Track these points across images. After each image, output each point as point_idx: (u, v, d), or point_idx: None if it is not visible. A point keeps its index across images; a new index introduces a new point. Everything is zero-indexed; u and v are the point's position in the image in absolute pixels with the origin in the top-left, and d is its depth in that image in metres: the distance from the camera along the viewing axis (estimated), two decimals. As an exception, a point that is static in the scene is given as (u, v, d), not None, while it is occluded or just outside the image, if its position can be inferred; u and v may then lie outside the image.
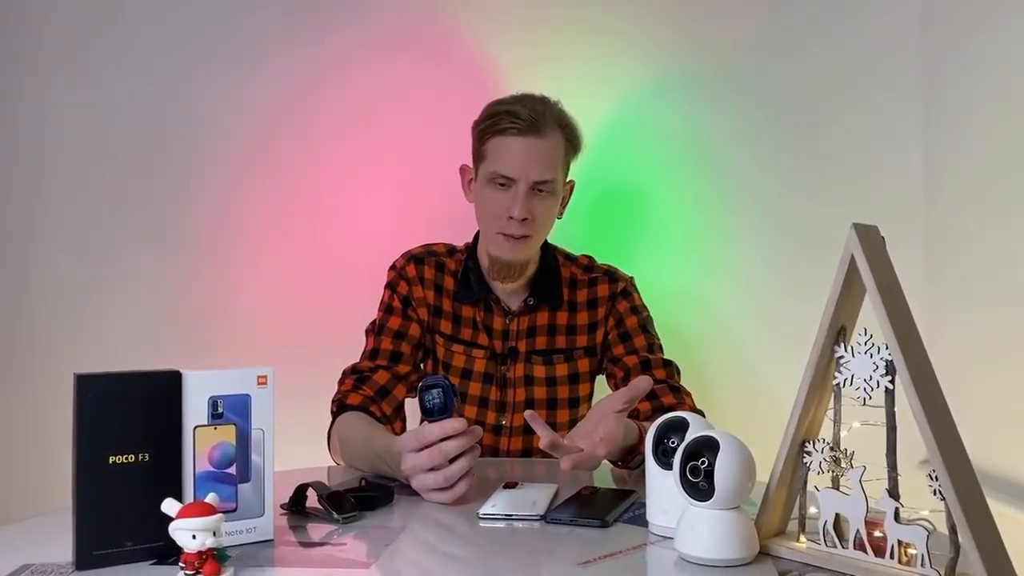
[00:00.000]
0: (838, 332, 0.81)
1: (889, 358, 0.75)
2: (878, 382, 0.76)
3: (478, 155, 1.45)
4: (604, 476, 1.24)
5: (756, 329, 1.87)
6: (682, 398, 1.40)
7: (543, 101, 1.42)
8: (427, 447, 1.02)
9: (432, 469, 1.03)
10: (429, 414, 1.02)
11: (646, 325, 1.50)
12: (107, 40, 1.90)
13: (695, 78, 1.89)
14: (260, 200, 1.93)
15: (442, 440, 1.01)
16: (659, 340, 1.51)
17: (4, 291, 1.89)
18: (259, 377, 0.90)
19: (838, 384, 0.81)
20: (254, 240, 1.93)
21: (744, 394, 1.82)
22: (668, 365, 1.46)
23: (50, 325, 1.89)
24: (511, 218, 1.38)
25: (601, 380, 1.56)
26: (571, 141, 1.45)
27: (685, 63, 1.89)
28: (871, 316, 0.78)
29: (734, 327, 1.88)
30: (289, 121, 1.93)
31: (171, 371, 0.86)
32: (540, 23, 1.92)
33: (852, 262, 0.77)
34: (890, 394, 0.76)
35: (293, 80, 1.93)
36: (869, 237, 0.77)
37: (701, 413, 1.37)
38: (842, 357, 0.80)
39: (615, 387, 1.48)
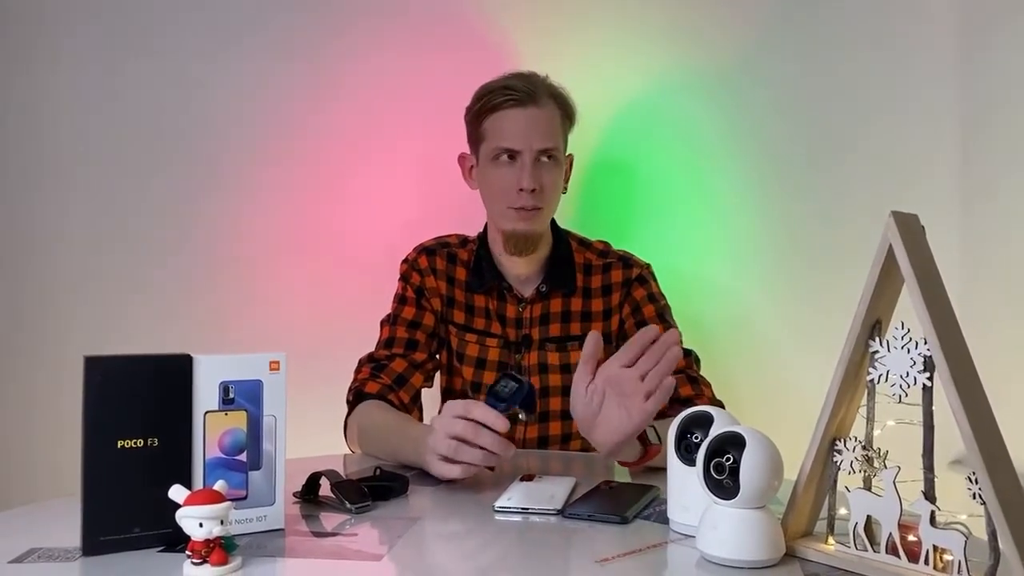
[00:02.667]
0: (873, 325, 0.77)
1: (928, 353, 0.71)
2: (915, 378, 0.72)
3: (476, 138, 1.45)
4: (622, 471, 1.20)
5: (779, 318, 1.81)
6: (701, 389, 1.36)
7: (534, 75, 1.43)
8: (469, 420, 1.01)
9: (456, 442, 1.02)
10: (493, 395, 1.03)
11: (664, 314, 1.46)
12: (129, 39, 1.91)
13: (725, 68, 1.83)
14: (280, 193, 1.92)
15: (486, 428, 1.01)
16: (678, 329, 1.47)
17: (23, 279, 1.90)
18: (271, 362, 0.88)
19: (872, 380, 0.77)
20: (273, 232, 1.92)
21: (765, 386, 1.77)
22: (687, 355, 1.41)
23: (67, 312, 1.90)
24: (521, 190, 1.38)
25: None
26: (565, 111, 1.45)
27: (718, 51, 1.83)
28: (906, 310, 0.75)
29: (755, 316, 1.82)
30: (309, 116, 1.91)
31: (182, 355, 0.84)
32: (561, 10, 1.88)
33: (890, 251, 0.73)
34: (928, 391, 0.72)
35: (313, 76, 1.91)
36: (908, 226, 0.73)
37: (721, 404, 1.34)
38: (877, 352, 0.76)
39: None
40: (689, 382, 1.36)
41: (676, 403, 1.34)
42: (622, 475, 1.16)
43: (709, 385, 1.39)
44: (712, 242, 1.86)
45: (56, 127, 1.90)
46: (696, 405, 1.30)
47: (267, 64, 1.91)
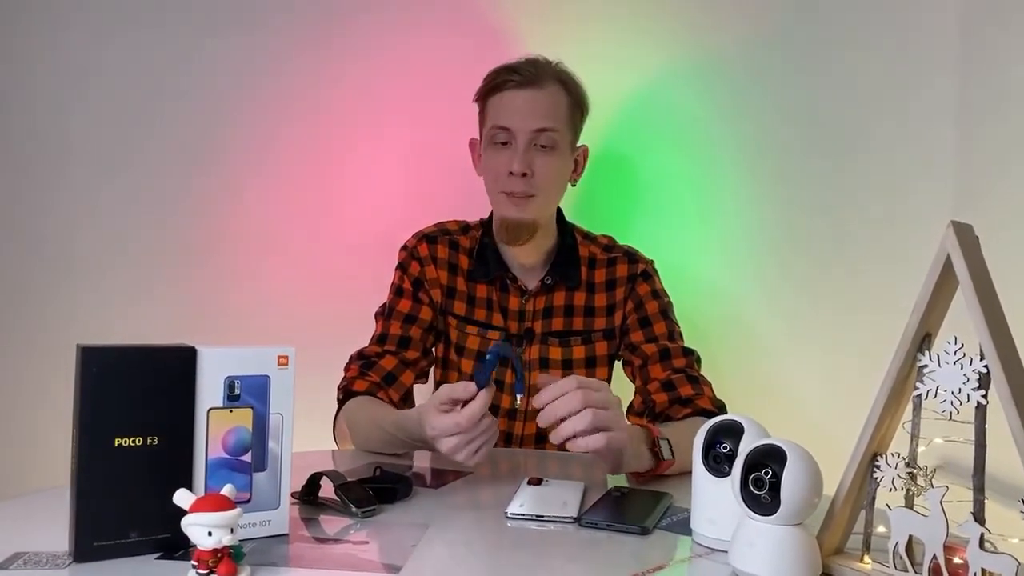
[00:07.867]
0: (923, 339, 0.74)
1: (984, 370, 0.68)
2: (968, 396, 0.69)
3: (481, 120, 1.42)
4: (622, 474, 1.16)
5: (778, 318, 1.80)
6: (701, 389, 1.33)
7: (543, 59, 1.39)
8: (455, 411, 0.98)
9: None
10: (481, 359, 1.02)
11: (667, 311, 1.44)
12: (121, 20, 1.83)
13: (725, 65, 1.81)
14: (275, 179, 1.86)
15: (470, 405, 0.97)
16: (680, 327, 1.44)
17: (15, 266, 1.82)
18: (280, 357, 0.82)
19: (919, 395, 0.74)
20: (269, 220, 1.86)
21: (763, 385, 1.75)
22: (689, 354, 1.38)
23: (62, 299, 1.83)
24: (512, 174, 1.33)
25: (618, 366, 1.50)
26: (573, 96, 1.39)
27: (719, 48, 1.81)
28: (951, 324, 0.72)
29: (755, 315, 1.80)
30: (304, 100, 1.86)
31: (185, 346, 0.78)
32: (564, 1, 1.84)
33: (948, 262, 0.70)
34: (981, 409, 0.69)
35: (308, 60, 1.85)
36: (966, 236, 0.70)
37: (722, 404, 1.32)
38: (926, 366, 0.73)
39: (632, 375, 1.42)
40: (689, 381, 1.33)
41: (676, 403, 1.31)
42: (621, 479, 1.12)
43: (709, 384, 1.36)
44: (711, 240, 1.83)
45: (55, 110, 1.82)
46: (696, 405, 1.29)
47: (261, 47, 1.85)
